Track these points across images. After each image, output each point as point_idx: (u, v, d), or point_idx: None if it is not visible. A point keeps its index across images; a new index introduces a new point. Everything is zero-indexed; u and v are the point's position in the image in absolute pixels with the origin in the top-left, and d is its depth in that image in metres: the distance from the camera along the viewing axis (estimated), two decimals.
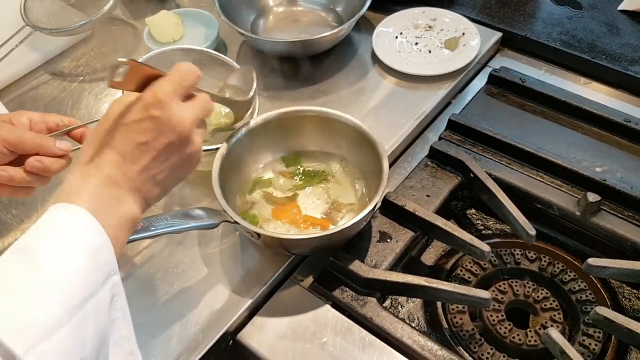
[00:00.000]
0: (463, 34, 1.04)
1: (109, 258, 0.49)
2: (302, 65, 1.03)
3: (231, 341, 0.71)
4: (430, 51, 1.03)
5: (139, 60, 0.55)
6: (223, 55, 0.86)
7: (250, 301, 0.72)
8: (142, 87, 0.55)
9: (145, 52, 1.07)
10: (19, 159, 0.64)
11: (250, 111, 0.76)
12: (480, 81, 1.01)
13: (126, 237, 0.54)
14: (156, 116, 0.54)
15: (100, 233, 0.49)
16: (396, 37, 1.05)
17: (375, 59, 1.03)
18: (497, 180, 0.82)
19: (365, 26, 1.09)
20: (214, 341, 0.69)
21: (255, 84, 0.75)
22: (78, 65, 1.07)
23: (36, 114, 0.68)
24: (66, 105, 1.00)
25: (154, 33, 1.04)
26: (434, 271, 0.81)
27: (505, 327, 0.72)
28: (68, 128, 0.70)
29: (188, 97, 0.58)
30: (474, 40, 1.02)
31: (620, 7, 1.08)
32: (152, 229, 0.63)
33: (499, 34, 1.05)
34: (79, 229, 0.48)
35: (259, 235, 0.69)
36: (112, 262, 0.50)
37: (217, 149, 0.75)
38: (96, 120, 0.73)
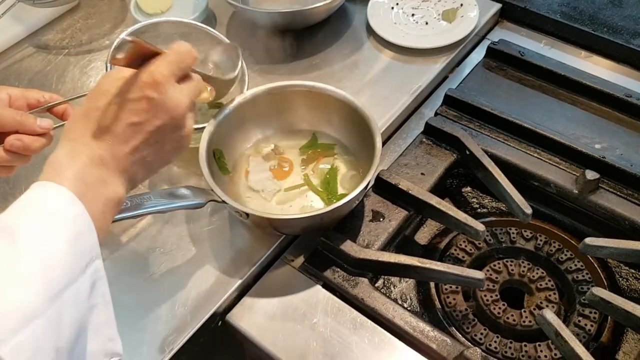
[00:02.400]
0: (461, 4, 1.00)
1: (91, 243, 0.47)
2: (295, 37, 0.99)
3: (220, 322, 0.70)
4: (427, 23, 1.00)
5: (140, 40, 0.52)
6: (213, 30, 0.83)
7: (239, 281, 0.71)
8: (140, 64, 0.53)
9: (132, 24, 1.03)
10: None
11: (233, 88, 0.73)
12: (478, 54, 0.98)
13: (110, 219, 0.52)
14: (152, 97, 0.52)
15: (84, 217, 0.47)
16: (392, 7, 1.02)
17: (370, 31, 1.00)
18: (493, 157, 0.80)
19: None
20: (202, 322, 0.68)
21: (240, 63, 0.72)
22: (63, 37, 1.04)
23: (16, 89, 0.66)
24: (51, 79, 0.97)
25: (141, 4, 1.01)
26: (428, 250, 0.80)
27: (500, 308, 0.71)
28: (49, 104, 0.67)
29: (183, 77, 0.56)
30: (472, 11, 0.99)
31: None
32: (136, 208, 0.61)
33: (498, 5, 1.02)
34: (63, 213, 0.46)
35: (247, 214, 0.67)
36: (95, 247, 0.48)
37: (204, 127, 0.73)
38: (80, 96, 0.71)
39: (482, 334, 0.69)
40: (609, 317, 0.71)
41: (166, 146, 0.55)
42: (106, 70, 0.77)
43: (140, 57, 0.53)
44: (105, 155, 0.51)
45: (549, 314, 0.64)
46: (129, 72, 0.53)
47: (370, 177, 0.68)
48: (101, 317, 0.48)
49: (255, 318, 0.69)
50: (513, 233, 0.79)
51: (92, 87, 0.54)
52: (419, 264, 0.68)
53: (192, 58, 0.56)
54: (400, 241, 0.79)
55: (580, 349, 0.61)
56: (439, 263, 0.69)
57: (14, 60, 1.00)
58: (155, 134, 0.53)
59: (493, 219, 0.83)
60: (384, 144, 0.72)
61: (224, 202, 0.66)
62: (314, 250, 0.73)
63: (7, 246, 0.43)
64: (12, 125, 0.61)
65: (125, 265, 0.72)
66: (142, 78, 0.52)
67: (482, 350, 0.63)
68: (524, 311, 0.71)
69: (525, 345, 0.68)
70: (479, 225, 0.71)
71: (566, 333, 0.62)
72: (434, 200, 0.74)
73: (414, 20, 1.00)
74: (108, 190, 0.51)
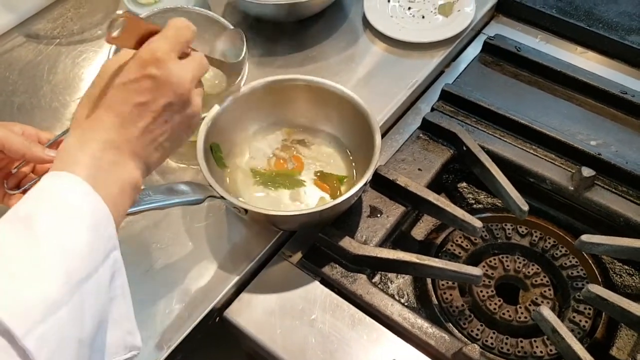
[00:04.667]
0: None
1: (110, 233, 0.47)
2: (290, 29, 0.99)
3: (218, 318, 0.70)
4: (423, 17, 0.99)
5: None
6: (218, 16, 0.81)
7: (237, 277, 0.71)
8: (139, 44, 0.52)
9: None
10: (4, 165, 0.63)
11: (241, 77, 0.73)
12: (474, 49, 0.98)
13: (128, 205, 0.51)
14: (154, 75, 0.50)
15: (100, 206, 0.46)
16: (388, 1, 1.01)
17: (366, 24, 0.99)
18: (489, 153, 0.80)
19: None
20: (200, 318, 0.67)
21: (245, 48, 0.71)
22: (54, 26, 1.02)
23: (31, 128, 0.66)
24: (42, 69, 0.95)
25: None
26: (424, 246, 0.80)
27: (495, 303, 0.72)
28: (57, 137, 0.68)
29: (184, 55, 0.55)
30: (469, 5, 0.98)
31: None
32: (134, 205, 0.60)
33: (494, 0, 1.02)
34: (79, 202, 0.45)
35: (246, 210, 0.66)
36: (113, 237, 0.47)
37: (202, 118, 0.72)
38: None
39: (478, 329, 0.70)
40: (603, 313, 0.72)
41: (177, 125, 0.54)
42: (108, 57, 0.76)
43: (137, 35, 0.51)
44: (116, 139, 0.49)
45: (546, 311, 0.64)
46: (128, 55, 0.52)
47: (370, 174, 0.68)
48: (121, 310, 0.48)
49: (253, 314, 0.69)
50: (508, 229, 0.79)
51: (97, 75, 0.53)
52: (418, 261, 0.68)
53: (191, 32, 0.54)
54: (397, 237, 0.79)
55: (576, 346, 0.62)
56: (437, 260, 0.69)
57: (3, 50, 0.98)
58: (164, 113, 0.52)
59: (489, 214, 0.84)
60: (381, 138, 0.71)
61: (222, 198, 0.66)
62: (312, 246, 0.73)
63: (27, 236, 0.42)
64: (20, 149, 0.61)
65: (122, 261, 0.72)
66: (142, 56, 0.51)
67: (479, 346, 0.64)
68: (520, 307, 0.72)
69: (521, 341, 0.69)
70: (476, 222, 0.71)
71: (563, 330, 0.63)
72: (432, 197, 0.74)
73: (411, 14, 1.00)
74: (123, 174, 0.50)
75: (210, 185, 0.66)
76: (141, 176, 0.52)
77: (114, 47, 0.77)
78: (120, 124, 0.50)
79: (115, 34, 0.49)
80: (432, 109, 0.88)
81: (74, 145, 0.49)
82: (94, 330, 0.44)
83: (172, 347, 0.65)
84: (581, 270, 0.75)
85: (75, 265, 0.43)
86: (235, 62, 0.70)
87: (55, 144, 0.66)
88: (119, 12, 0.48)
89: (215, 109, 0.73)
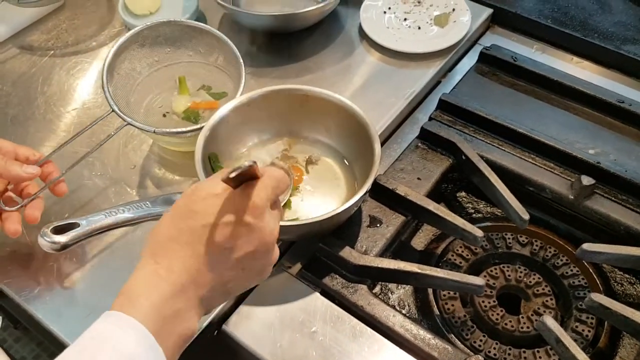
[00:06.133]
0: (453, 9, 1.00)
1: None
2: (287, 41, 0.98)
3: (216, 332, 0.68)
4: (419, 27, 0.99)
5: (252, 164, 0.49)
6: (217, 31, 0.81)
7: None
8: (237, 184, 0.51)
9: (119, 25, 1.03)
10: None
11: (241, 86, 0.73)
12: (470, 59, 0.98)
13: (178, 356, 0.48)
14: (249, 223, 0.49)
15: None
16: (384, 12, 1.02)
17: (362, 35, 0.99)
18: (488, 162, 0.80)
19: (352, 0, 1.05)
20: (198, 332, 0.66)
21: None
22: (49, 38, 1.01)
23: (8, 143, 0.66)
24: (37, 81, 0.94)
25: (129, 4, 0.99)
26: (425, 256, 0.79)
27: (497, 314, 0.71)
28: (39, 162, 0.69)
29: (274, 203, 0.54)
30: (465, 16, 0.99)
31: None
32: (132, 216, 0.60)
33: (489, 10, 1.02)
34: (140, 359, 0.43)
35: None
36: None
37: (200, 128, 0.72)
38: (66, 143, 0.72)
39: (481, 340, 0.69)
40: (605, 323, 0.71)
41: (251, 272, 0.52)
42: (103, 82, 0.75)
43: (244, 178, 0.50)
44: (187, 283, 0.47)
45: (549, 320, 0.64)
46: (220, 189, 0.50)
47: (369, 183, 0.67)
48: None
49: (252, 327, 0.67)
50: (509, 238, 0.78)
51: (181, 201, 0.51)
52: (419, 271, 0.68)
53: (286, 185, 0.55)
54: (397, 247, 0.78)
55: (581, 356, 0.61)
56: (438, 269, 0.68)
57: None
58: (244, 260, 0.50)
59: (488, 224, 0.83)
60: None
61: None
62: (312, 256, 0.72)
63: None
64: None
65: (114, 273, 0.70)
66: (241, 202, 0.49)
67: (482, 358, 0.63)
68: (522, 317, 0.71)
69: (524, 352, 0.68)
70: (477, 231, 0.71)
71: (567, 339, 0.62)
72: (432, 206, 0.74)
73: (407, 25, 1.00)
74: (183, 326, 0.47)
75: None
76: (197, 326, 0.50)
77: (110, 55, 0.77)
78: (197, 268, 0.48)
79: (233, 175, 0.47)
80: (430, 119, 0.88)
81: (143, 283, 0.47)
82: None
83: None
84: (582, 279, 0.74)
85: None
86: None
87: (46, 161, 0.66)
88: (248, 163, 0.47)
89: (214, 119, 0.73)
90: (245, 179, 0.50)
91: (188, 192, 0.51)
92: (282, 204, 0.62)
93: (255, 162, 0.48)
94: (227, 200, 0.49)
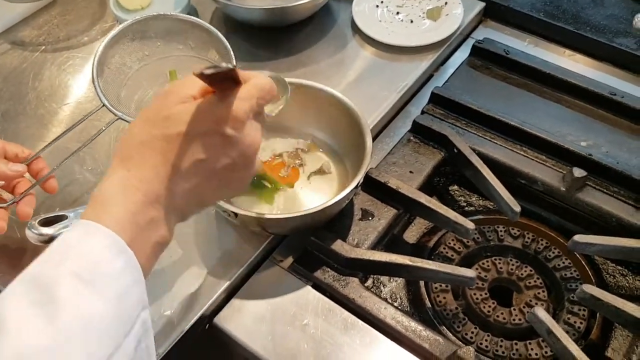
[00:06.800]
0: (445, 3, 1.00)
1: (139, 296, 0.43)
2: (279, 35, 0.98)
3: (207, 325, 0.68)
4: (412, 21, 0.99)
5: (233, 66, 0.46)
6: (201, 20, 0.80)
7: (227, 283, 0.69)
8: (217, 85, 0.47)
9: (111, 20, 1.02)
10: None
11: None
12: (462, 53, 0.98)
13: (153, 265, 0.47)
14: (228, 134, 0.46)
15: (133, 267, 0.42)
16: (377, 5, 1.01)
17: (355, 28, 0.99)
18: (480, 155, 0.80)
19: None
20: (189, 326, 0.66)
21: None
22: (40, 34, 1.01)
23: None
24: (27, 77, 0.94)
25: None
26: (417, 249, 0.79)
27: (489, 306, 0.71)
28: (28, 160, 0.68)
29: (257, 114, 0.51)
30: (457, 9, 0.98)
31: None
32: None
33: (481, 4, 1.02)
34: (110, 266, 0.41)
35: (236, 214, 0.65)
36: (143, 298, 0.43)
37: None
38: (56, 140, 0.72)
39: (472, 332, 0.69)
40: (597, 314, 0.71)
41: (229, 185, 0.50)
42: (93, 76, 0.74)
43: (224, 80, 0.47)
44: (161, 192, 0.45)
45: (541, 312, 0.64)
46: (197, 91, 0.47)
47: (361, 176, 0.67)
48: None
49: (243, 320, 0.67)
50: (501, 231, 0.78)
51: (153, 104, 0.47)
52: (411, 263, 0.67)
53: (272, 95, 0.51)
54: (389, 240, 0.78)
55: (572, 347, 0.61)
56: (430, 262, 0.68)
57: None
58: (220, 173, 0.48)
59: (481, 217, 0.83)
60: (372, 142, 0.71)
61: None
62: (304, 250, 0.72)
63: (45, 309, 0.38)
64: None
65: None
66: (220, 111, 0.46)
67: (474, 349, 0.63)
68: (514, 309, 0.71)
69: (516, 344, 0.68)
70: (468, 224, 0.71)
71: (558, 331, 0.62)
72: (424, 199, 0.74)
73: (399, 19, 1.00)
74: (157, 234, 0.45)
75: None
76: (172, 234, 0.48)
77: (100, 50, 0.76)
78: (171, 178, 0.45)
79: (208, 72, 0.43)
80: (422, 112, 0.88)
81: (115, 190, 0.44)
82: None
83: (161, 355, 0.64)
84: (574, 271, 0.74)
85: (99, 343, 0.39)
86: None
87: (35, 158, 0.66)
88: (227, 65, 0.44)
89: None
90: (226, 83, 0.47)
91: (161, 94, 0.48)
92: (273, 115, 0.59)
93: (235, 66, 0.45)
94: (205, 107, 0.46)
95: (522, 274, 0.73)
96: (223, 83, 0.47)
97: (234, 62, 0.76)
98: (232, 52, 0.77)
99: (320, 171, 0.78)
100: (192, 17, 0.80)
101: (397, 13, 1.00)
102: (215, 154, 0.47)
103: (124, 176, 0.45)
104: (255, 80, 0.49)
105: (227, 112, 0.46)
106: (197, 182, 0.47)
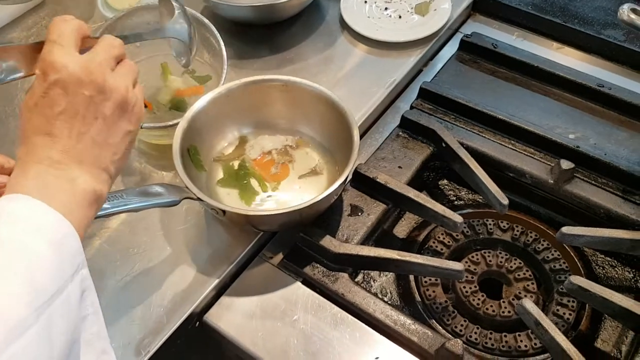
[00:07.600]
0: None
1: (75, 248, 0.45)
2: (267, 32, 0.98)
3: (198, 322, 0.69)
4: (400, 16, 0.99)
5: None
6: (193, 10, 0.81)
7: (217, 280, 0.69)
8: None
9: (100, 21, 1.02)
10: None
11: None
12: (451, 48, 0.98)
13: (89, 216, 0.49)
14: (56, 80, 0.48)
15: (60, 220, 0.44)
16: (365, 1, 1.01)
17: (343, 25, 0.99)
18: (469, 149, 0.80)
19: None
20: (179, 323, 0.66)
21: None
22: (29, 35, 1.01)
23: None
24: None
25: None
26: (407, 244, 0.80)
27: (479, 299, 0.71)
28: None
29: (84, 43, 0.52)
30: (445, 4, 0.98)
31: None
32: (106, 208, 0.59)
33: None
34: (36, 219, 0.43)
35: (224, 212, 0.66)
36: (80, 252, 0.45)
37: (176, 124, 0.71)
38: None
39: (462, 325, 0.69)
40: (587, 306, 0.72)
41: (110, 116, 0.51)
42: None
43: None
44: (53, 154, 0.48)
45: (529, 304, 0.64)
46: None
47: (348, 171, 0.67)
48: (93, 329, 0.45)
49: (233, 317, 0.68)
50: (490, 224, 0.79)
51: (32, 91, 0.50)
52: (399, 257, 0.68)
53: (120, 50, 0.53)
54: (379, 235, 0.78)
55: (560, 338, 0.61)
56: (418, 256, 0.68)
57: None
58: (87, 110, 0.49)
59: (470, 210, 0.83)
60: (360, 137, 0.71)
61: (199, 199, 0.65)
62: (293, 246, 0.72)
63: None
64: None
65: (98, 267, 0.70)
66: (39, 70, 0.48)
67: (463, 342, 0.63)
68: (503, 302, 0.71)
69: (505, 336, 0.68)
70: (456, 217, 0.71)
71: (546, 322, 0.63)
72: (412, 193, 0.74)
73: (387, 14, 1.00)
74: (75, 187, 0.48)
75: (187, 187, 0.65)
76: (98, 182, 0.49)
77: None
78: (51, 141, 0.48)
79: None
80: (411, 107, 0.88)
81: (15, 175, 0.47)
82: (65, 350, 0.42)
83: (151, 353, 0.64)
84: (564, 263, 0.75)
85: (41, 282, 0.41)
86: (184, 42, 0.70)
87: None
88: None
89: (191, 111, 0.73)
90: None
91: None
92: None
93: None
94: (35, 78, 0.49)
95: (511, 267, 0.74)
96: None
97: (224, 53, 0.76)
98: (222, 43, 0.77)
99: (313, 172, 0.78)
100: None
101: (386, 9, 1.01)
102: (67, 99, 0.48)
103: (20, 163, 0.48)
104: (103, 41, 0.53)
105: (41, 66, 0.49)
106: (77, 129, 0.49)
